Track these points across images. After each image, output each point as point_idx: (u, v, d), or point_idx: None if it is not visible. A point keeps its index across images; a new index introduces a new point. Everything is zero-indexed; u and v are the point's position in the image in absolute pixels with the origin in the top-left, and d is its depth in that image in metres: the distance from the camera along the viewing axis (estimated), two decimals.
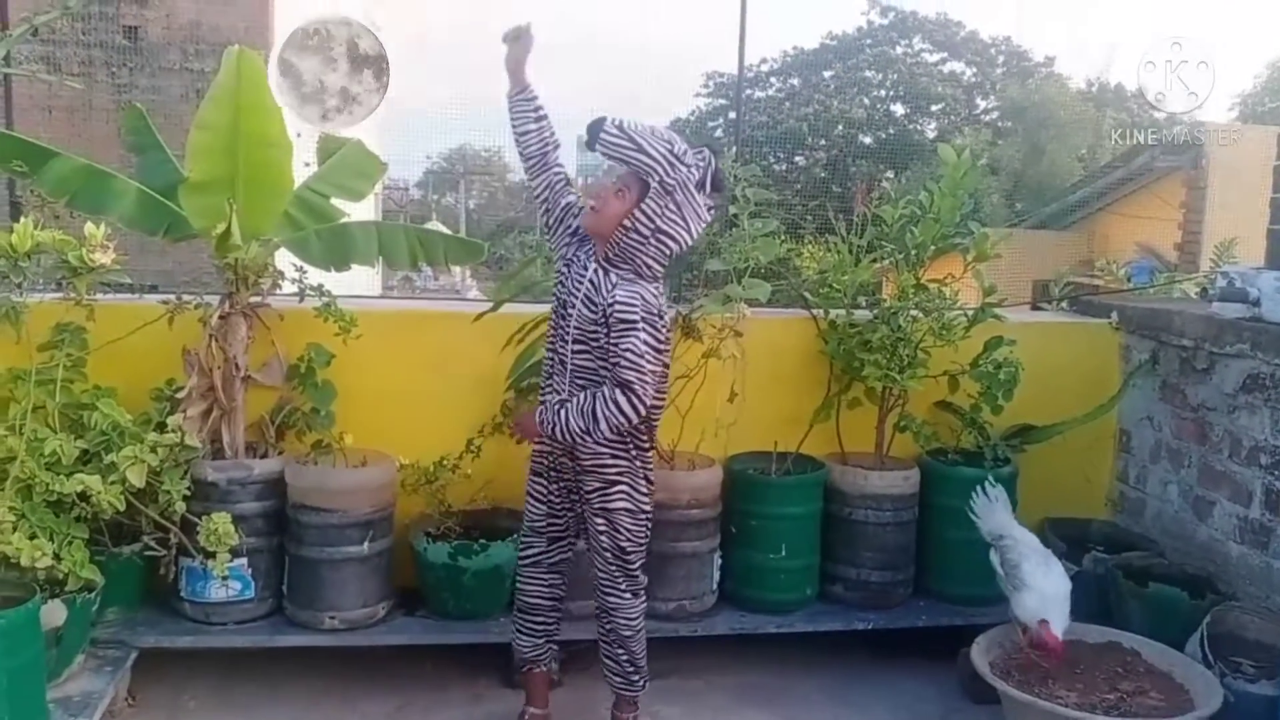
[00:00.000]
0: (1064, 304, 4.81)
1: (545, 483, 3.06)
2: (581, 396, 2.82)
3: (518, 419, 3.20)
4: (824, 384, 3.97)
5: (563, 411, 2.82)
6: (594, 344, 2.82)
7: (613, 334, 2.76)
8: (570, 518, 3.08)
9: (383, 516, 3.48)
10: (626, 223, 2.77)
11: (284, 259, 3.86)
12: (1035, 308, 4.94)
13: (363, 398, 3.67)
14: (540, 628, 3.13)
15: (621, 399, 2.75)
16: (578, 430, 2.81)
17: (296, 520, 3.41)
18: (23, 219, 3.19)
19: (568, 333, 2.87)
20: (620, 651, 3.06)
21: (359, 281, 6.64)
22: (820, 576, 3.84)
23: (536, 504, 3.08)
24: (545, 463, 3.04)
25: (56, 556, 2.97)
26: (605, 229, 2.79)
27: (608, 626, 3.06)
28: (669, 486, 3.60)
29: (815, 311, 3.99)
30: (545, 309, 3.55)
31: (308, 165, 4.13)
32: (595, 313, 2.79)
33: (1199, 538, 3.78)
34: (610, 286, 2.78)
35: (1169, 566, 3.64)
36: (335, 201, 3.94)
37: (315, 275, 3.67)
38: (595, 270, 2.84)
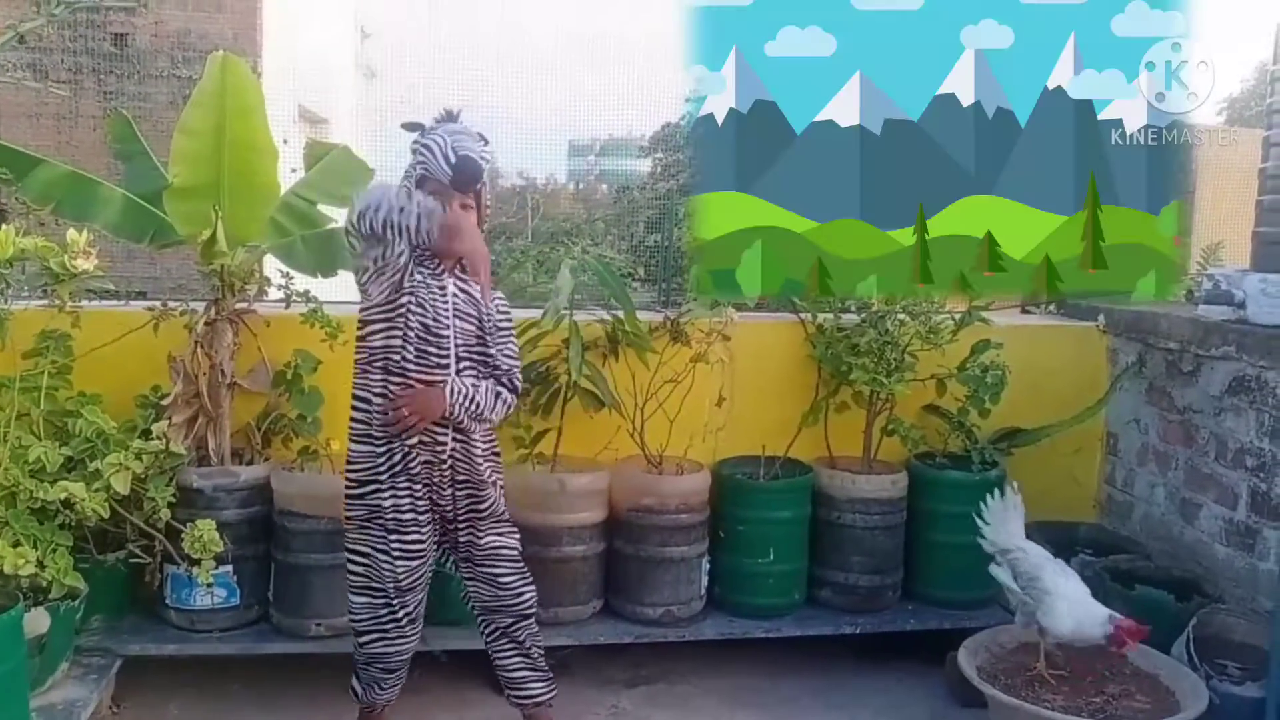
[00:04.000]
0: (1051, 307, 4.82)
1: (418, 528, 2.77)
2: (480, 384, 2.75)
3: (404, 400, 2.69)
4: (812, 388, 3.97)
5: (478, 390, 2.72)
6: (477, 357, 2.78)
7: (498, 337, 2.81)
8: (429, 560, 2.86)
9: None
10: (483, 224, 2.80)
11: (271, 265, 3.86)
12: (1023, 311, 4.95)
13: (350, 404, 3.65)
14: (403, 675, 2.98)
15: (512, 397, 2.82)
16: (490, 409, 2.74)
17: (283, 527, 3.40)
18: (4, 226, 3.18)
19: (443, 359, 2.72)
20: (538, 654, 2.94)
21: (350, 288, 6.63)
22: (808, 581, 3.83)
23: (412, 554, 2.76)
24: (420, 495, 2.76)
25: (40, 564, 2.95)
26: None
27: (521, 636, 2.91)
28: (657, 491, 3.60)
29: (803, 315, 3.99)
30: (535, 313, 3.55)
31: (295, 171, 4.13)
32: (474, 324, 2.77)
33: (1185, 540, 3.79)
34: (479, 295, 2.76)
35: (1156, 569, 3.65)
36: (322, 208, 3.93)
37: (302, 281, 3.67)
38: (453, 285, 2.74)
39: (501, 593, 2.87)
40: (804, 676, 3.72)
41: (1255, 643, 3.16)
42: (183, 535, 3.19)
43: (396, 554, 2.75)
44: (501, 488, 2.90)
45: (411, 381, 2.70)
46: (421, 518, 2.77)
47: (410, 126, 2.74)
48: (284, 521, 3.39)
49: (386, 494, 2.74)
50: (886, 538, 3.81)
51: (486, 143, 2.72)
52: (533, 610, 2.92)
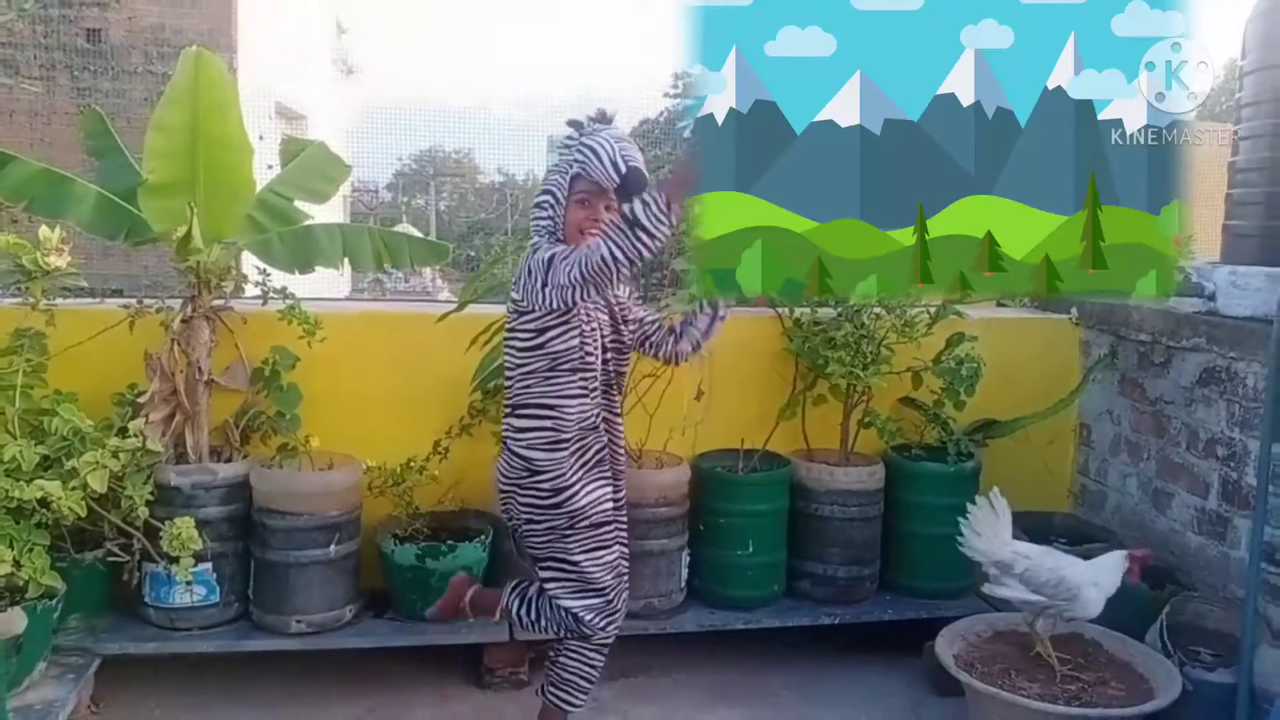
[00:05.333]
0: (1025, 300, 4.87)
1: (616, 515, 2.88)
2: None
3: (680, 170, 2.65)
4: (789, 381, 4.00)
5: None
6: (625, 344, 2.90)
7: (640, 313, 2.96)
8: None
9: (349, 519, 3.47)
10: None
11: (248, 262, 3.84)
12: (998, 304, 4.99)
13: (328, 400, 3.66)
14: None
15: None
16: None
17: (262, 524, 3.39)
18: None
19: (624, 358, 2.89)
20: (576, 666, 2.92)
21: (329, 284, 6.61)
22: (787, 573, 3.86)
23: (620, 540, 2.90)
24: (608, 483, 2.85)
25: (17, 563, 2.94)
26: None
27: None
28: (637, 485, 3.61)
29: (780, 309, 4.01)
30: None
31: (271, 168, 4.11)
32: (619, 318, 2.86)
33: (1158, 529, 3.84)
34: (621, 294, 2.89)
35: None
36: (299, 204, 3.92)
37: (279, 278, 3.66)
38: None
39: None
40: (783, 668, 3.75)
41: (1227, 630, 3.21)
42: (161, 533, 3.17)
43: (609, 542, 2.83)
44: None
45: (609, 374, 2.82)
46: (614, 505, 2.87)
47: (572, 124, 2.76)
48: (263, 519, 3.39)
49: (580, 493, 2.75)
50: (864, 529, 3.84)
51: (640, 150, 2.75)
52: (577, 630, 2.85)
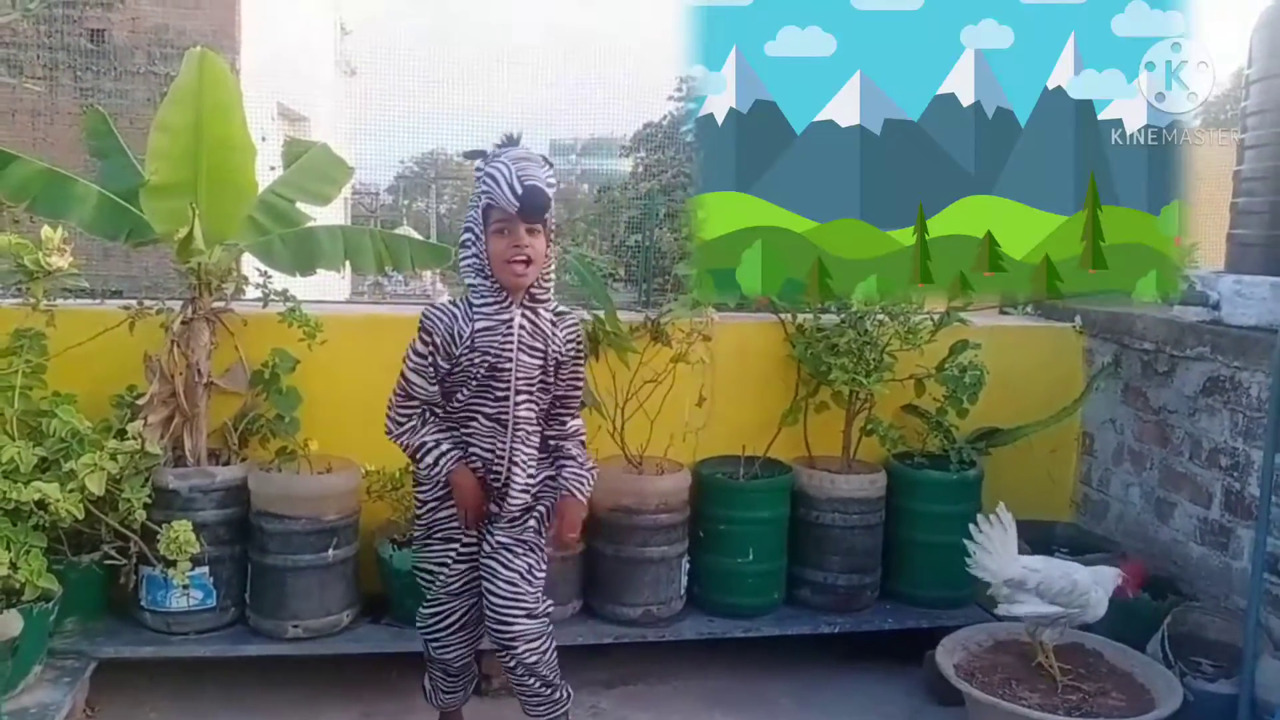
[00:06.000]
0: (1029, 308, 4.86)
1: (459, 544, 2.84)
2: (573, 449, 2.82)
3: (563, 528, 2.82)
4: (791, 388, 3.98)
5: (585, 473, 2.81)
6: (539, 391, 2.73)
7: (569, 368, 2.75)
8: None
9: (347, 524, 3.46)
10: (548, 254, 2.68)
11: (248, 264, 3.83)
12: (1001, 312, 4.98)
13: (328, 404, 3.64)
14: (468, 679, 3.06)
15: (583, 427, 2.86)
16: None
17: (260, 528, 3.37)
18: None
19: (505, 393, 2.68)
20: (535, 682, 2.79)
21: (329, 286, 6.60)
22: (788, 580, 3.84)
23: (454, 566, 2.84)
24: (460, 525, 2.82)
25: (13, 565, 2.93)
26: (534, 275, 2.65)
27: (512, 663, 2.78)
28: (637, 491, 3.60)
29: (783, 316, 4.00)
30: None
31: (273, 169, 4.10)
32: (539, 358, 2.69)
33: (1160, 539, 3.82)
34: (552, 324, 2.70)
35: None
36: (301, 206, 3.91)
37: (280, 280, 3.65)
38: (520, 318, 2.66)
39: (493, 607, 2.78)
40: (783, 676, 3.73)
41: (1229, 640, 3.20)
42: (158, 536, 3.16)
43: (444, 564, 2.87)
44: (538, 509, 2.83)
45: (472, 414, 2.73)
46: (463, 533, 2.85)
47: (471, 155, 2.70)
48: (261, 522, 3.37)
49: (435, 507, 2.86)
50: (865, 537, 3.82)
51: (551, 166, 2.64)
52: (519, 633, 2.76)
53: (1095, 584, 3.10)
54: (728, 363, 3.73)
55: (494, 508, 2.78)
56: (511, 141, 2.66)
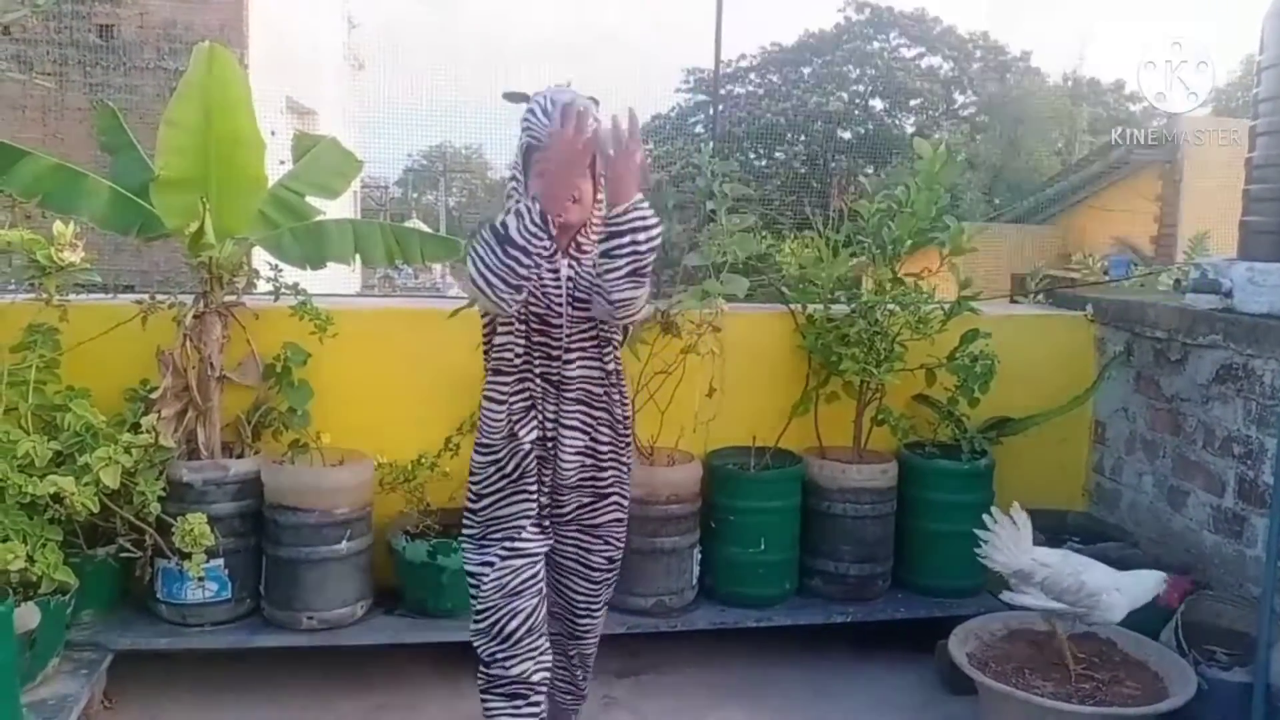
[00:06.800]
0: (1040, 297, 4.84)
1: (521, 542, 2.52)
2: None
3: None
4: (802, 378, 3.98)
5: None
6: (595, 348, 2.50)
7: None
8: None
9: (360, 516, 3.47)
10: (597, 200, 2.43)
11: (259, 258, 3.84)
12: (1012, 301, 4.97)
13: (340, 396, 3.66)
14: (543, 709, 2.62)
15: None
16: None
17: (273, 520, 3.39)
18: None
19: (557, 350, 2.46)
20: (581, 673, 2.76)
21: (339, 280, 6.62)
22: (799, 570, 3.85)
23: (512, 561, 2.50)
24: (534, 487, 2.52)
25: (30, 559, 2.94)
26: (581, 216, 2.43)
27: (573, 652, 2.74)
28: (648, 482, 3.60)
29: (793, 306, 3.99)
30: None
31: (283, 163, 4.11)
32: (585, 300, 2.44)
33: (1174, 528, 3.81)
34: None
35: (1144, 556, 3.67)
36: (311, 199, 3.92)
37: (291, 274, 3.66)
38: (568, 267, 2.44)
39: (570, 600, 2.68)
40: (795, 666, 3.74)
41: (1243, 629, 3.19)
42: (173, 529, 3.18)
43: (524, 519, 2.53)
44: (615, 498, 2.61)
45: (528, 374, 2.45)
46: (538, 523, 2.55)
47: (513, 97, 2.45)
48: (275, 515, 3.39)
49: (495, 504, 2.54)
50: (877, 527, 3.82)
51: (598, 104, 2.37)
52: (589, 629, 2.73)
53: (1114, 588, 3.05)
54: (738, 353, 3.73)
55: (544, 498, 2.51)
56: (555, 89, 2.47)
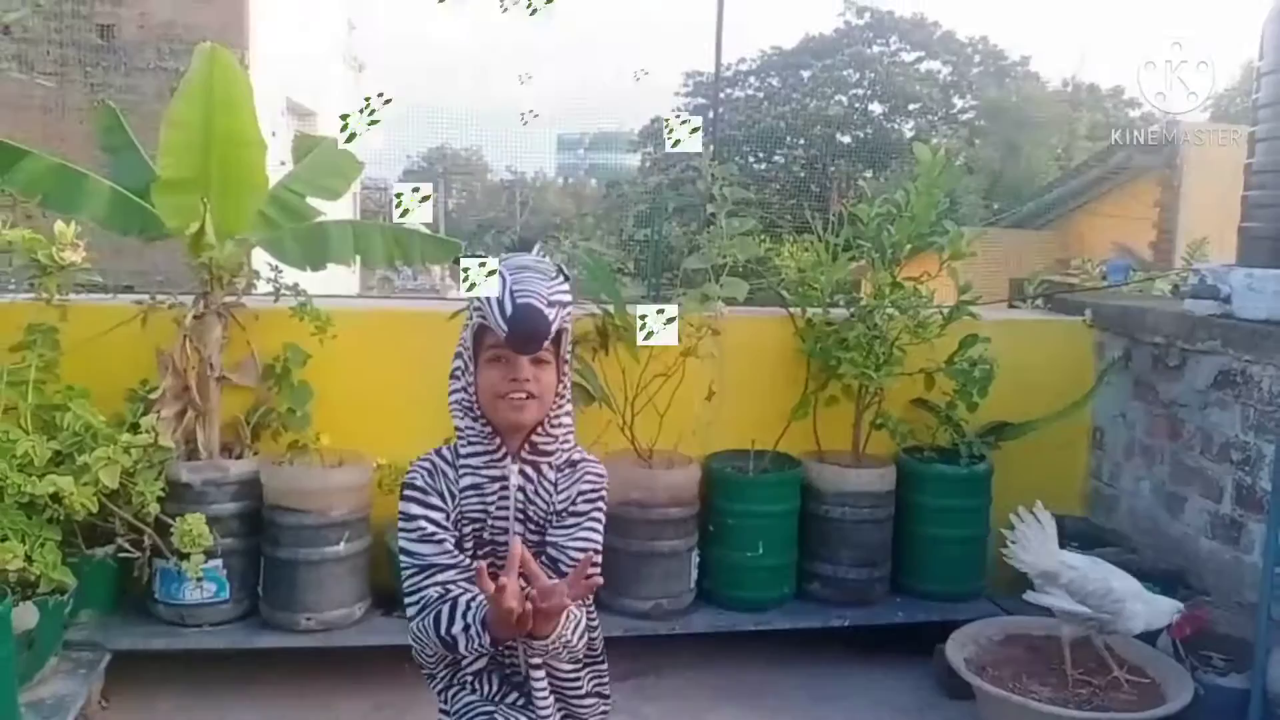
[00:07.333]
0: (1039, 302, 4.85)
1: None
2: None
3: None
4: (801, 382, 3.98)
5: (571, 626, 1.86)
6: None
7: (570, 517, 1.98)
8: None
9: (359, 517, 3.47)
10: (560, 391, 1.98)
11: (259, 258, 3.85)
12: (1011, 306, 4.97)
13: (339, 398, 3.66)
14: None
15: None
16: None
17: (272, 521, 3.39)
18: None
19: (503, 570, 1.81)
20: None
21: (338, 281, 6.62)
22: (798, 574, 3.85)
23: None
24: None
25: (28, 558, 2.94)
26: (539, 413, 1.95)
27: None
28: (647, 485, 3.61)
29: (792, 310, 4.00)
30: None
31: (283, 164, 4.11)
32: (540, 522, 1.99)
33: (1171, 533, 3.82)
34: (561, 476, 1.99)
35: (1141, 562, 3.67)
36: (311, 200, 3.92)
37: (291, 275, 3.66)
38: (519, 475, 1.96)
39: None
40: (793, 669, 3.74)
41: (1240, 635, 3.19)
42: (172, 530, 3.18)
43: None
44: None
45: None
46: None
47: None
48: (273, 516, 3.39)
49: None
50: (875, 531, 3.82)
51: (565, 280, 1.96)
52: None
53: (1137, 598, 3.04)
54: (737, 357, 3.73)
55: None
56: (523, 246, 2.12)
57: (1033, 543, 3.16)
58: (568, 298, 1.96)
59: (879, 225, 3.87)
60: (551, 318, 1.90)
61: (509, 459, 1.97)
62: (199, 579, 3.25)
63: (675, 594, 3.67)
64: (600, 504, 2.01)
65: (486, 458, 1.97)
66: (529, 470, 1.98)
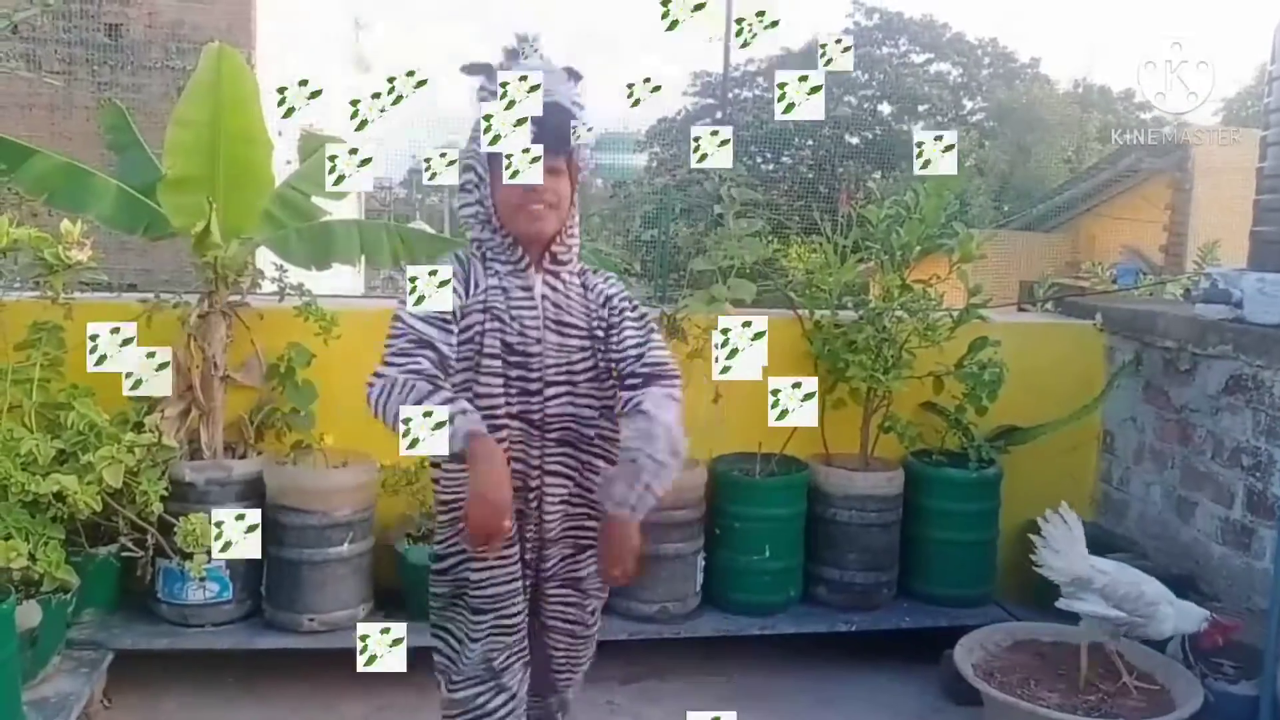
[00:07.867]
0: (1049, 305, 4.82)
1: (498, 615, 2.12)
2: (649, 415, 1.93)
3: (606, 562, 2.13)
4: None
5: (651, 468, 1.93)
6: (586, 382, 2.08)
7: (622, 328, 2.08)
8: None
9: (363, 518, 3.46)
10: (574, 203, 2.08)
11: (264, 258, 3.83)
12: (1021, 309, 4.94)
13: (344, 398, 3.63)
14: None
15: (677, 401, 1.99)
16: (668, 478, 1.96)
17: (276, 521, 3.37)
18: None
19: (536, 384, 2.04)
20: (560, 713, 2.35)
21: (343, 281, 6.61)
22: (804, 578, 3.83)
23: (496, 639, 2.12)
24: (512, 565, 2.09)
25: (32, 557, 2.93)
26: (557, 224, 2.04)
27: (551, 698, 2.32)
28: None
29: (801, 312, 3.98)
30: None
31: (289, 163, 4.10)
32: (576, 336, 2.07)
33: (1182, 539, 3.79)
34: (582, 289, 2.10)
35: (1152, 568, 3.62)
36: (317, 200, 3.91)
37: (296, 274, 3.65)
38: (543, 284, 2.06)
39: (550, 659, 2.28)
40: (799, 673, 3.71)
41: (1250, 642, 3.16)
42: (175, 529, 3.17)
43: (504, 629, 2.13)
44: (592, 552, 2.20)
45: (496, 415, 1.99)
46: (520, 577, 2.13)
47: (473, 69, 2.01)
48: (277, 516, 3.37)
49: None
50: (882, 535, 3.80)
51: (579, 79, 2.00)
52: (571, 696, 2.38)
53: (1169, 602, 3.00)
54: None
55: (529, 553, 2.11)
56: (520, 53, 2.09)
57: (1063, 546, 3.10)
58: (581, 101, 2.02)
59: (888, 227, 3.85)
60: (575, 116, 1.96)
61: (532, 269, 2.04)
62: (202, 579, 3.25)
63: (681, 597, 3.65)
64: (635, 302, 2.14)
65: (511, 267, 2.03)
66: (551, 279, 2.06)
